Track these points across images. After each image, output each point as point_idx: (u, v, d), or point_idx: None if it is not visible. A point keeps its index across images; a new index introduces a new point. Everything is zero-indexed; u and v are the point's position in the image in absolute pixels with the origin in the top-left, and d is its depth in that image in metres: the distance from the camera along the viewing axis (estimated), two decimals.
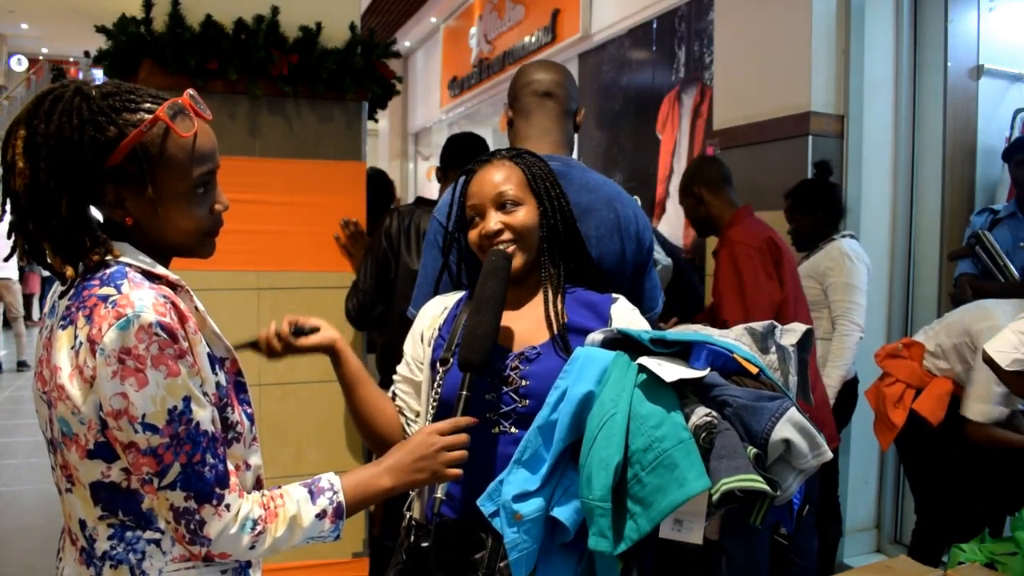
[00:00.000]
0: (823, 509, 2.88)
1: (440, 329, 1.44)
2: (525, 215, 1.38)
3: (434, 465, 1.17)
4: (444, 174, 2.78)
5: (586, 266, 1.48)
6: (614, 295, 1.46)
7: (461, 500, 1.33)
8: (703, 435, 1.13)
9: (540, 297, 1.41)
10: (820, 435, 1.13)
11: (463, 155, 2.61)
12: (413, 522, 1.39)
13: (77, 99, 0.99)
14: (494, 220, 1.37)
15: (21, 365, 8.18)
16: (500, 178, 1.40)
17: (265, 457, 3.08)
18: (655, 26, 4.91)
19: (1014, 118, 3.44)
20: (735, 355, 1.22)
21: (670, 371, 1.17)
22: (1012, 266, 2.95)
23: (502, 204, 1.38)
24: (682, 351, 1.26)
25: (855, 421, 3.15)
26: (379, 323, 2.61)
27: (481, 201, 1.39)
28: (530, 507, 1.20)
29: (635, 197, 2.01)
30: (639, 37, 5.12)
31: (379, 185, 3.43)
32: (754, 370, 1.21)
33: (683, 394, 1.19)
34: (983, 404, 2.46)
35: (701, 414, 1.14)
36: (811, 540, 2.65)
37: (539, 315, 1.39)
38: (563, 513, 1.19)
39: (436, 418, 1.35)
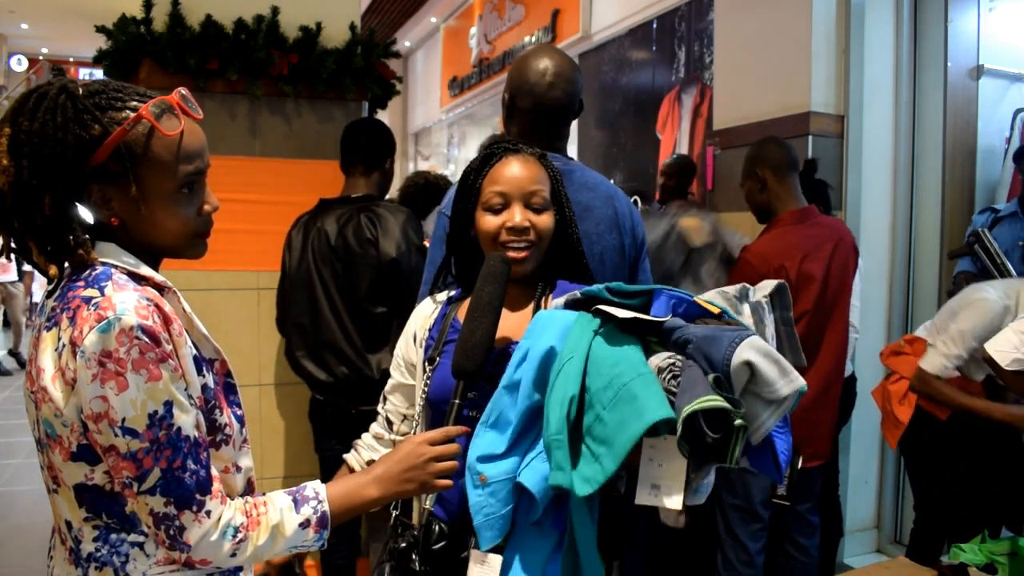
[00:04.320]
0: (824, 509, 2.88)
1: (430, 330, 1.44)
2: (548, 221, 1.37)
3: (423, 476, 1.15)
4: (372, 166, 2.50)
5: (581, 272, 1.47)
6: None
7: (446, 499, 1.32)
8: (668, 377, 1.09)
9: (530, 295, 1.41)
10: (789, 363, 1.07)
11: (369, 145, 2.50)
12: (399, 521, 1.39)
13: (62, 97, 0.98)
14: (522, 215, 1.34)
15: None
16: (535, 176, 1.36)
17: (265, 457, 3.09)
18: (655, 26, 4.90)
19: (1014, 118, 3.44)
20: (696, 298, 1.18)
21: (627, 312, 1.14)
22: (1010, 265, 2.95)
23: (531, 203, 1.35)
24: (644, 305, 1.22)
25: (855, 421, 3.14)
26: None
27: (511, 190, 1.35)
28: (496, 469, 1.17)
29: (634, 197, 2.04)
30: (639, 37, 5.12)
31: (428, 190, 3.26)
32: (716, 311, 1.16)
33: (648, 345, 1.16)
34: (941, 358, 2.49)
35: (663, 356, 1.11)
36: (812, 536, 2.65)
37: (526, 313, 1.39)
38: (531, 479, 1.15)
39: (423, 418, 1.35)
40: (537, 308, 1.39)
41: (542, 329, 1.20)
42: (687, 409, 1.00)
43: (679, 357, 1.10)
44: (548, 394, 1.14)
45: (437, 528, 1.30)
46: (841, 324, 2.55)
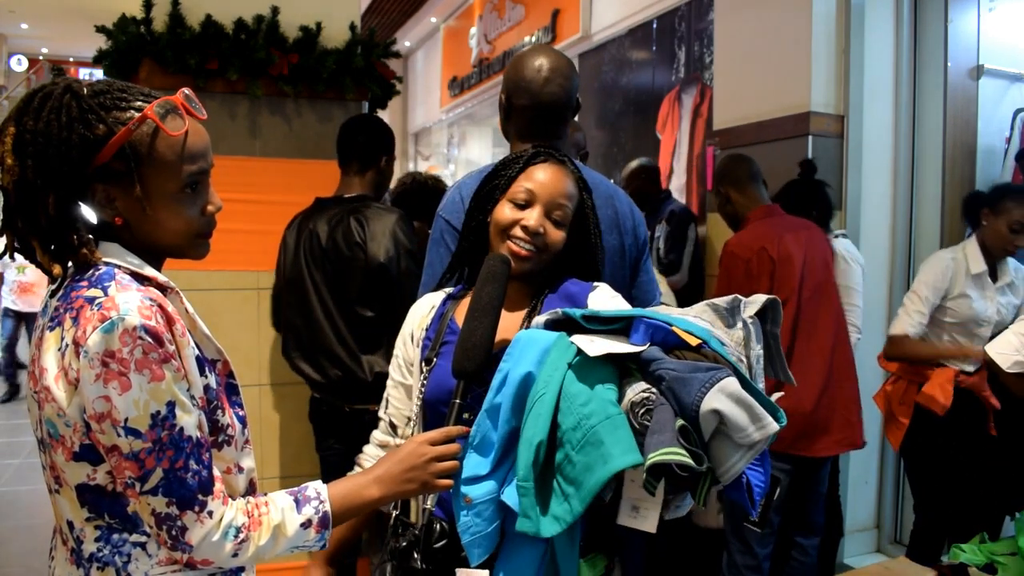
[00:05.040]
0: (825, 509, 2.88)
1: (427, 329, 1.44)
2: (560, 238, 1.39)
3: (424, 476, 1.15)
4: (366, 164, 2.48)
5: (583, 270, 1.47)
6: (595, 284, 1.45)
7: (444, 499, 1.33)
8: (641, 412, 1.09)
9: (527, 297, 1.41)
10: (763, 407, 1.06)
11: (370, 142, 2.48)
12: (399, 521, 1.39)
13: (67, 97, 0.98)
14: (538, 218, 1.36)
15: None
16: (567, 192, 1.39)
17: (265, 457, 3.08)
18: (655, 26, 4.90)
19: (1014, 118, 3.44)
20: (674, 328, 1.17)
21: (599, 347, 1.13)
22: None
23: (552, 214, 1.38)
24: (624, 328, 1.21)
25: None
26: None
27: (540, 192, 1.38)
28: (480, 490, 1.18)
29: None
30: (639, 37, 5.12)
31: (417, 191, 3.10)
32: (695, 342, 1.15)
33: (628, 372, 1.16)
34: (904, 317, 2.67)
35: (638, 390, 1.10)
36: (813, 536, 2.66)
37: (520, 315, 1.39)
38: (511, 497, 1.17)
39: (420, 419, 1.35)
40: (533, 310, 1.39)
41: (521, 352, 1.20)
42: (649, 460, 1.02)
43: (653, 392, 1.10)
44: (522, 429, 1.14)
45: (438, 527, 1.30)
46: (835, 307, 2.63)
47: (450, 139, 9.75)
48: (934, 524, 2.74)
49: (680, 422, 1.05)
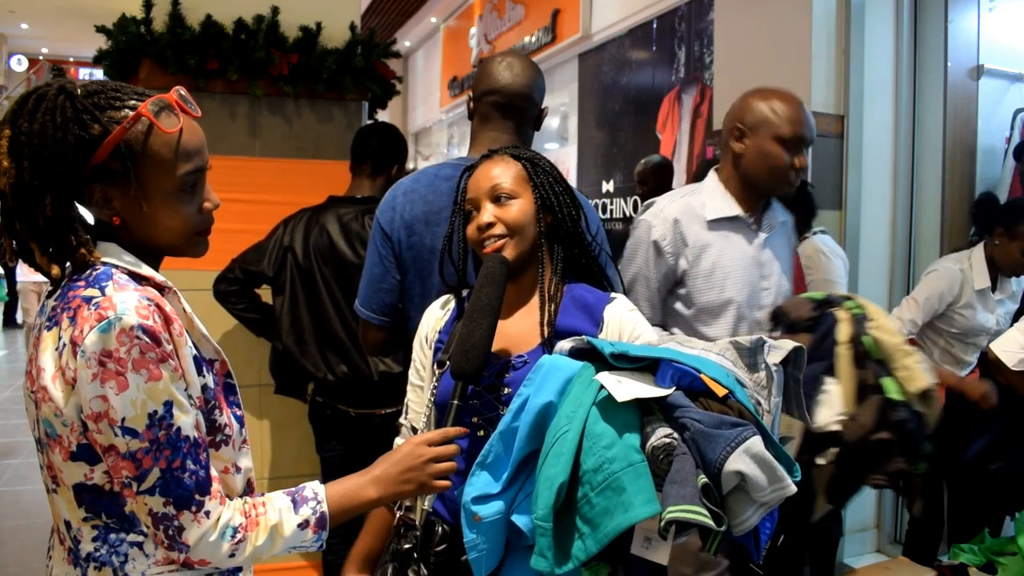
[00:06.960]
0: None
1: (441, 332, 1.43)
2: (519, 209, 1.36)
3: (422, 477, 1.15)
4: (379, 169, 2.53)
5: (587, 258, 1.46)
6: (612, 294, 1.43)
7: (448, 499, 1.33)
8: (661, 457, 1.09)
9: (535, 300, 1.40)
10: (781, 463, 1.08)
11: (385, 147, 2.52)
12: (403, 521, 1.39)
13: (61, 97, 0.98)
14: (488, 213, 1.36)
15: None
16: (497, 172, 1.38)
17: (265, 457, 3.07)
18: (655, 26, 4.90)
19: (1014, 118, 3.44)
20: (702, 375, 1.17)
21: (626, 390, 1.13)
22: None
23: (496, 197, 1.36)
24: (651, 366, 1.22)
25: None
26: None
27: (477, 195, 1.38)
28: (489, 510, 1.18)
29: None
30: (639, 37, 5.12)
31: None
32: (721, 392, 1.15)
33: (650, 411, 1.16)
34: (896, 323, 2.60)
35: (661, 435, 1.10)
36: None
37: (532, 320, 1.38)
38: (522, 520, 1.18)
39: (431, 420, 1.35)
40: (541, 316, 1.37)
41: (543, 379, 1.20)
42: (671, 512, 1.03)
43: (676, 438, 1.10)
44: (541, 465, 1.14)
45: (440, 530, 1.30)
46: None
47: (450, 139, 9.74)
48: (926, 522, 2.75)
49: (703, 480, 1.06)
